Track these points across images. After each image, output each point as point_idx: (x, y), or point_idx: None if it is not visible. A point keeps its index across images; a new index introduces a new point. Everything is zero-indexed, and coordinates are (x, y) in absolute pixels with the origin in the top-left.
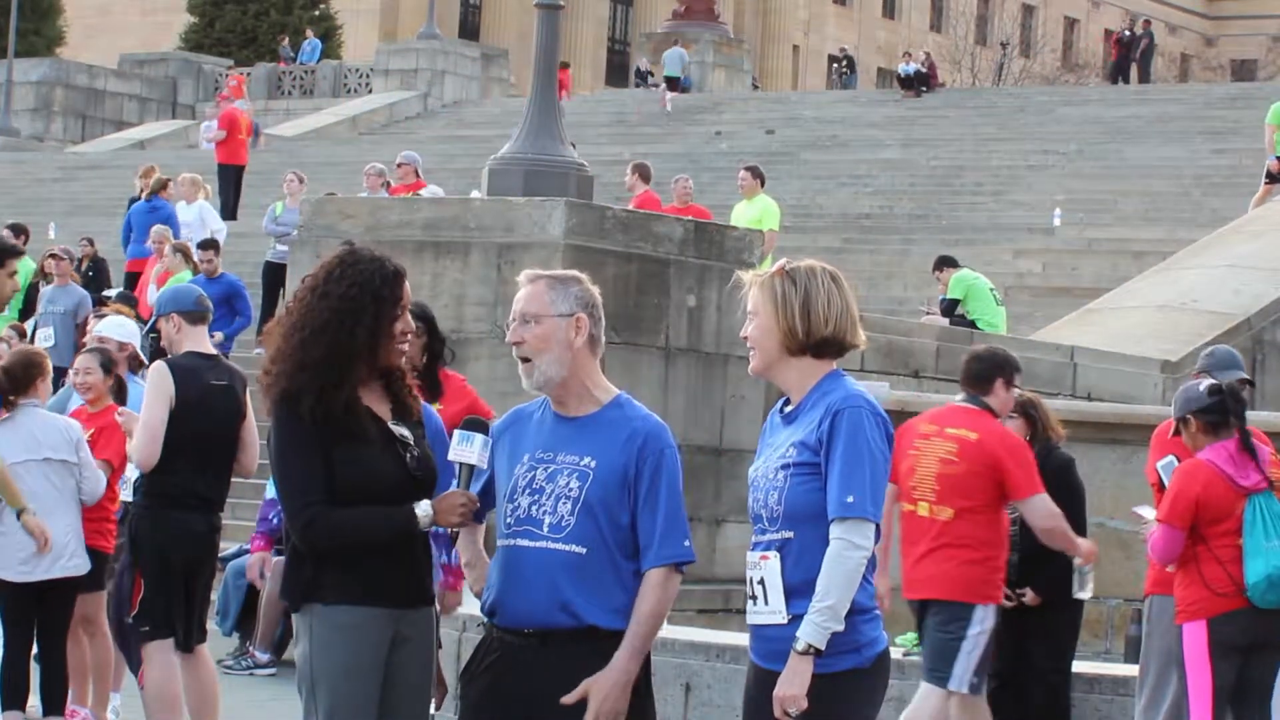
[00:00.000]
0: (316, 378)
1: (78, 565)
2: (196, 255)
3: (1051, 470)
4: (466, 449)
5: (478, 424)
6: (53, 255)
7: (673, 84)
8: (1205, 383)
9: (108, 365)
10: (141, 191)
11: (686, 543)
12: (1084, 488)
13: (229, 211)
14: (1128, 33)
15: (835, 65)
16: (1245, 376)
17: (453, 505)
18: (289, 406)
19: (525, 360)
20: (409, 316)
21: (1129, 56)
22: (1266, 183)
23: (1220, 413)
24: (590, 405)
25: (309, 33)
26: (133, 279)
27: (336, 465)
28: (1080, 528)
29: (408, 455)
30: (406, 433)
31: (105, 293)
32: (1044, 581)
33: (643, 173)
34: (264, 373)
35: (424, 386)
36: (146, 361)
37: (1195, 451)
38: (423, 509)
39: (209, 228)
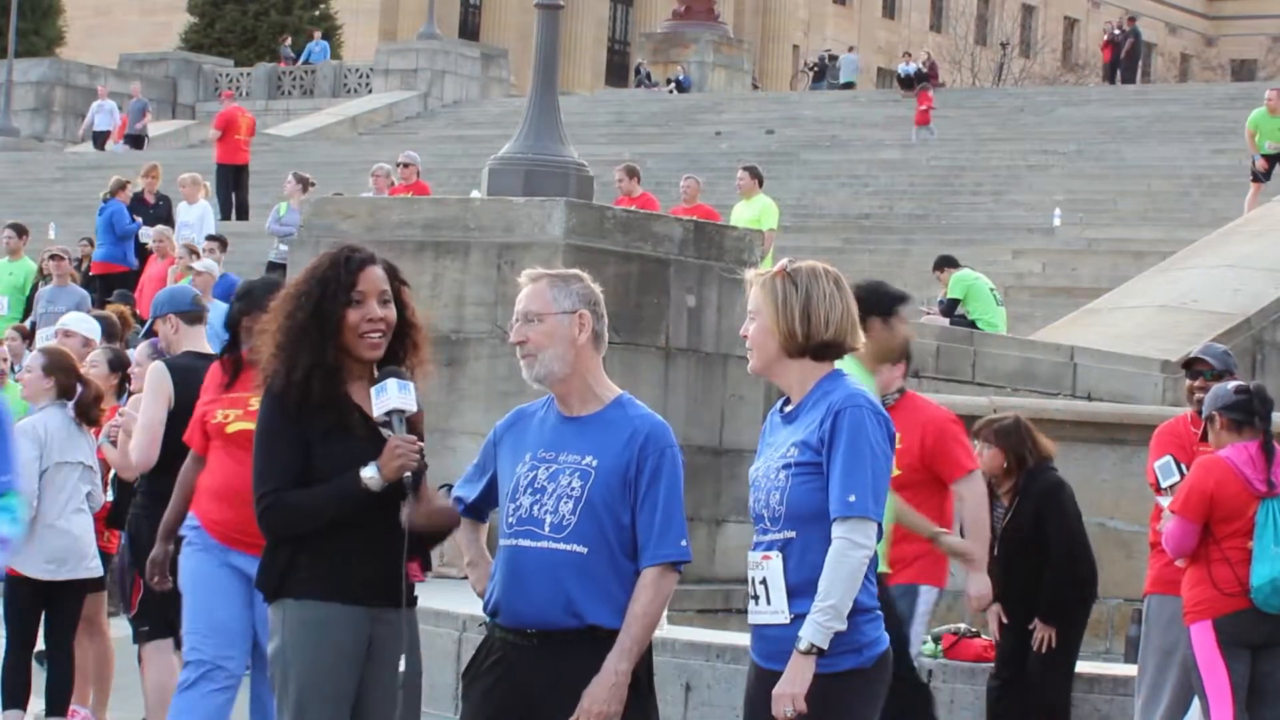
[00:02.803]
0: (282, 361)
1: (95, 567)
2: (202, 249)
3: (1039, 492)
4: (385, 398)
5: (383, 375)
6: (53, 255)
7: (846, 89)
8: (1234, 382)
9: (115, 363)
10: (139, 191)
11: (683, 542)
12: (1078, 511)
13: (227, 211)
14: (1117, 30)
15: (806, 66)
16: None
17: (390, 452)
18: (268, 394)
19: (528, 356)
20: (375, 305)
21: (1119, 57)
22: (1254, 181)
23: (1245, 412)
24: (593, 404)
25: (315, 34)
26: (103, 282)
27: (318, 459)
28: (1078, 552)
29: None
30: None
31: None
32: (1043, 606)
33: (638, 175)
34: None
35: None
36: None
37: (1218, 450)
38: (368, 470)
39: (207, 229)
